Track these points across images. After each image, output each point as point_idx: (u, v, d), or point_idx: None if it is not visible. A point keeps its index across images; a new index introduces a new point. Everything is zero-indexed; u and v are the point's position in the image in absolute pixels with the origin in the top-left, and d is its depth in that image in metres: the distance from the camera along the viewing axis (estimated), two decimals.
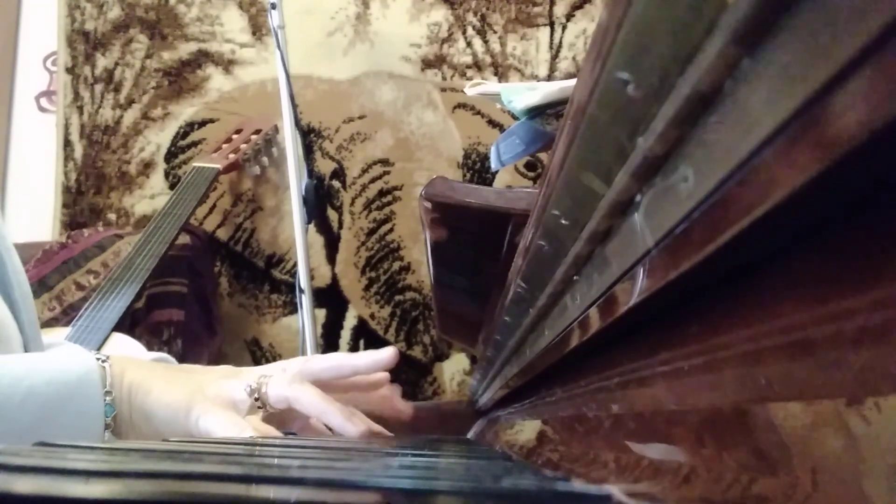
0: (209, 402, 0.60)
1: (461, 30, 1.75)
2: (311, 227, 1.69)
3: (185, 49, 1.86)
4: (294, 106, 1.54)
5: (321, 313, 1.71)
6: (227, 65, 1.83)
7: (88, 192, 1.85)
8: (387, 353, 0.70)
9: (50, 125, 1.89)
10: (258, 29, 1.83)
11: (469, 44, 1.75)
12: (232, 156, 1.64)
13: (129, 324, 1.38)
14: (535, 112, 0.78)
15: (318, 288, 1.69)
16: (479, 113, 1.71)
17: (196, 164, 1.61)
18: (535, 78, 1.71)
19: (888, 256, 0.14)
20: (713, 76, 0.16)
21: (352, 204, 1.75)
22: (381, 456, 0.39)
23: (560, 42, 1.72)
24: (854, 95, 0.12)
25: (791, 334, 0.17)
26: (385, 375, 0.76)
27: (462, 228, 0.71)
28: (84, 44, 1.89)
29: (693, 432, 0.21)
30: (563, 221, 0.30)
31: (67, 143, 1.87)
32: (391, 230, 1.73)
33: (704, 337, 0.22)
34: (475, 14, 1.75)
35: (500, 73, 1.73)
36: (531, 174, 1.60)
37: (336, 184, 1.76)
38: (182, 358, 1.48)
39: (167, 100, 1.85)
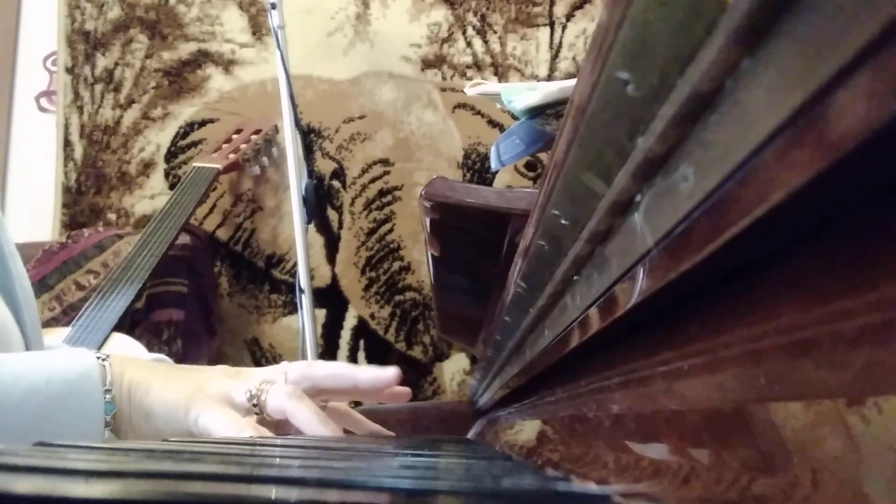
0: (208, 401, 0.60)
1: (461, 30, 1.75)
2: (311, 227, 1.69)
3: (185, 49, 1.86)
4: (294, 106, 1.54)
5: (321, 313, 1.71)
6: (227, 65, 1.83)
7: (88, 192, 1.85)
8: (389, 374, 0.68)
9: (50, 125, 1.89)
10: (258, 29, 1.83)
11: (469, 44, 1.75)
12: (232, 156, 1.64)
13: (129, 324, 1.38)
14: (535, 112, 0.78)
15: (318, 288, 1.69)
16: (479, 113, 1.71)
17: (196, 164, 1.61)
18: (535, 78, 1.71)
19: (888, 256, 0.14)
20: (713, 76, 0.16)
21: (352, 204, 1.75)
22: (382, 456, 0.39)
23: (560, 42, 1.72)
24: (854, 95, 0.12)
25: (791, 334, 0.17)
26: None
27: (462, 228, 0.70)
28: (84, 44, 1.89)
29: (693, 432, 0.21)
30: (563, 221, 0.30)
31: (67, 143, 1.87)
32: (391, 230, 1.73)
33: (704, 337, 0.22)
34: (475, 14, 1.75)
35: (500, 73, 1.73)
36: (531, 174, 1.60)
37: (336, 184, 1.76)
38: (182, 358, 1.48)
39: (167, 100, 1.85)
